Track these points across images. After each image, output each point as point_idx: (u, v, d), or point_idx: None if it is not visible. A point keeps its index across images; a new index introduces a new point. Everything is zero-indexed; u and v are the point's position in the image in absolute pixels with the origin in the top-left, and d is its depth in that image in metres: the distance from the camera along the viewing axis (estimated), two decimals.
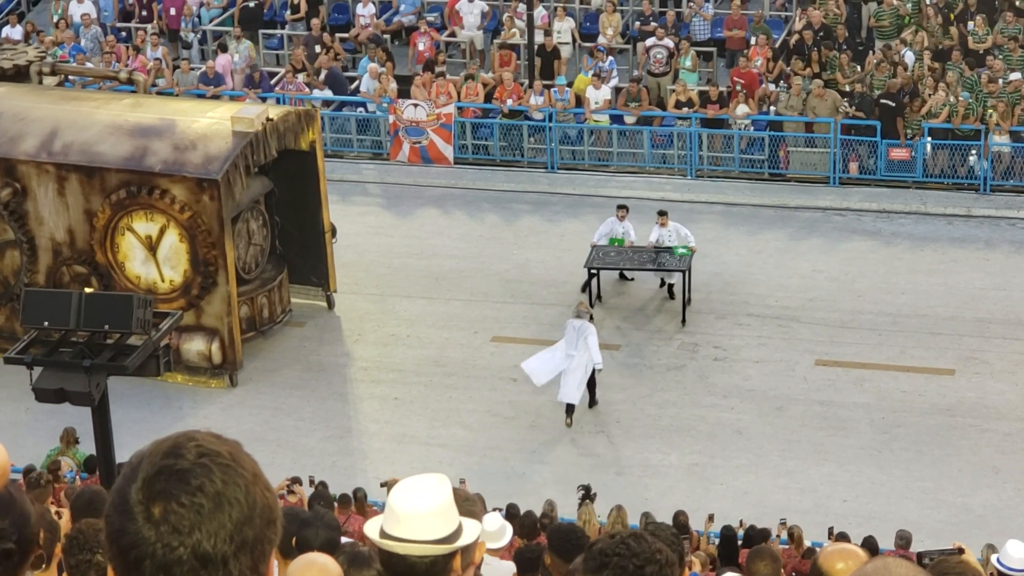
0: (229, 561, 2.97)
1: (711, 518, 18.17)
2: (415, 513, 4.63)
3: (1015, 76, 28.77)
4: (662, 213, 25.22)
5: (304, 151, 23.98)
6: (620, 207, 25.55)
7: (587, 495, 17.44)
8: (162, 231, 22.81)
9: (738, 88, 29.55)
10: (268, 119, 23.00)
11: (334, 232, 25.08)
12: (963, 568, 7.15)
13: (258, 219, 24.08)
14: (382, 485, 18.24)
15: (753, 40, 30.80)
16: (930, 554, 9.71)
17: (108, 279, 23.13)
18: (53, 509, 12.34)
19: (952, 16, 30.80)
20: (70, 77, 27.54)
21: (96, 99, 24.89)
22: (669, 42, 30.97)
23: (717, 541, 17.40)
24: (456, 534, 4.69)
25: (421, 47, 31.85)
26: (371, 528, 4.73)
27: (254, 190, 23.72)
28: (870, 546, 16.08)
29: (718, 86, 30.00)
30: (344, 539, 10.05)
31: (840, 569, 5.73)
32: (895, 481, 20.63)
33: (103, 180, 22.81)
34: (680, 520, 17.25)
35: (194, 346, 23.06)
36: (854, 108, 28.77)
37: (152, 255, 22.99)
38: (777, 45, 31.09)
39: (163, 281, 23.05)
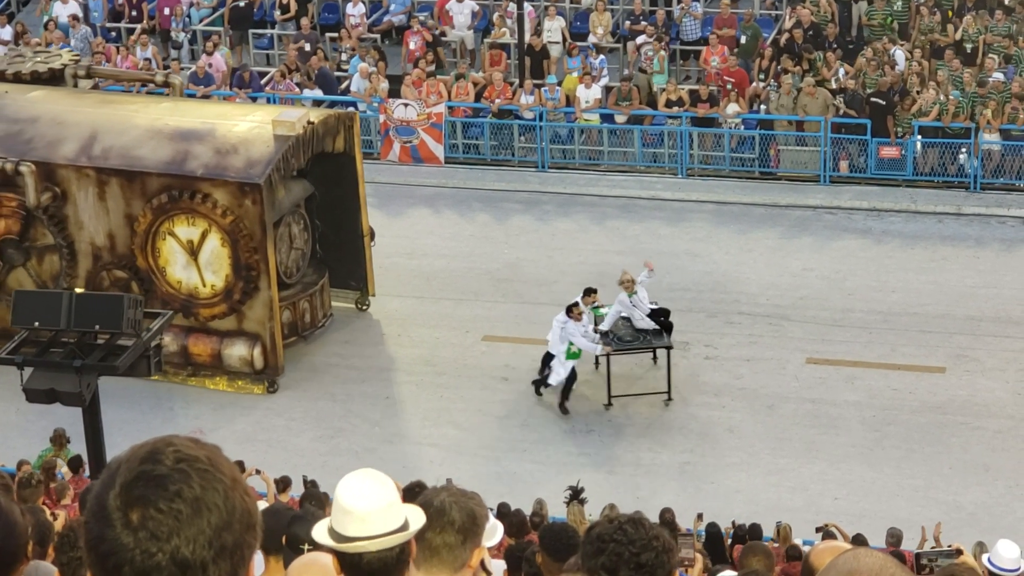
0: (208, 567, 2.96)
1: (700, 517, 18.16)
2: (373, 509, 4.58)
3: (997, 75, 28.81)
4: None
5: (342, 154, 23.87)
6: (585, 297, 22.51)
7: (574, 496, 17.41)
8: (204, 235, 22.64)
9: (728, 87, 29.57)
10: (309, 122, 22.91)
11: (372, 235, 24.99)
12: (972, 575, 7.12)
13: (299, 223, 23.89)
14: None
15: (713, 38, 30.79)
16: (928, 555, 9.69)
17: (149, 284, 22.99)
18: (47, 510, 12.35)
19: (951, 13, 30.84)
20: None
21: (134, 103, 24.77)
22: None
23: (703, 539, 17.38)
24: (407, 522, 4.65)
25: (412, 46, 31.84)
26: (320, 534, 4.64)
27: (295, 194, 23.57)
28: (860, 544, 16.08)
29: (708, 85, 30.01)
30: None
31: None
32: (886, 479, 20.65)
33: (144, 184, 22.65)
34: (666, 518, 17.25)
35: (236, 351, 22.93)
36: (845, 103, 28.75)
37: (194, 260, 22.81)
38: (768, 43, 31.11)
39: (204, 286, 22.90)
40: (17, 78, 24.79)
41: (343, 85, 31.26)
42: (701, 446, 21.55)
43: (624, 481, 20.72)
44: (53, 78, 25.08)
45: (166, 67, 31.73)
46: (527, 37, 31.25)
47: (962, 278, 25.47)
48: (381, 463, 20.69)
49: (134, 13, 34.16)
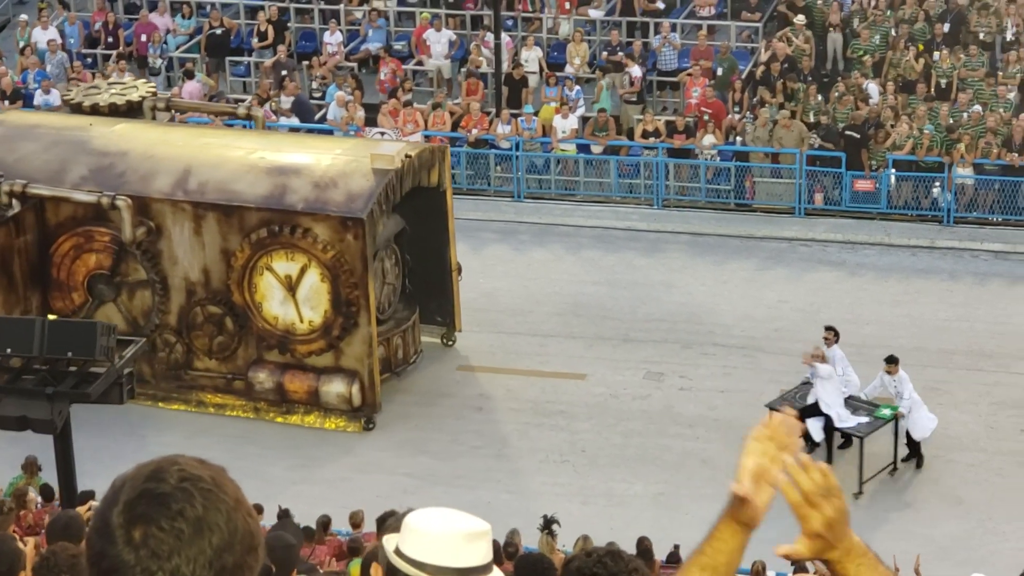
0: None
1: (676, 548, 18.13)
2: (429, 532, 4.27)
3: (976, 108, 28.97)
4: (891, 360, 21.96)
5: (433, 187, 23.68)
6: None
7: (546, 526, 17.40)
8: (303, 271, 22.29)
9: (705, 118, 29.66)
10: (407, 156, 22.66)
11: (460, 270, 24.81)
12: None
13: (391, 258, 23.65)
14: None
15: (692, 70, 30.93)
16: None
17: (244, 319, 22.71)
18: (18, 538, 12.26)
19: (920, 47, 30.97)
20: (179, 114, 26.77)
21: (223, 136, 24.59)
22: (637, 70, 31.11)
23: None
24: (480, 570, 4.29)
25: (383, 76, 31.92)
26: (389, 542, 4.38)
27: (389, 228, 23.26)
28: None
29: (685, 116, 30.11)
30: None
31: None
32: (861, 511, 20.63)
33: (242, 219, 22.33)
34: (645, 545, 17.25)
35: (334, 388, 22.58)
36: (820, 137, 28.86)
37: (291, 295, 22.46)
38: (744, 76, 31.23)
39: (302, 322, 22.52)
40: (95, 110, 24.49)
41: (319, 113, 31.27)
42: (675, 477, 21.54)
43: (598, 512, 20.69)
44: (131, 110, 24.73)
45: None
46: (504, 67, 31.31)
47: (935, 311, 25.55)
48: (355, 492, 20.66)
49: (110, 39, 34.13)
